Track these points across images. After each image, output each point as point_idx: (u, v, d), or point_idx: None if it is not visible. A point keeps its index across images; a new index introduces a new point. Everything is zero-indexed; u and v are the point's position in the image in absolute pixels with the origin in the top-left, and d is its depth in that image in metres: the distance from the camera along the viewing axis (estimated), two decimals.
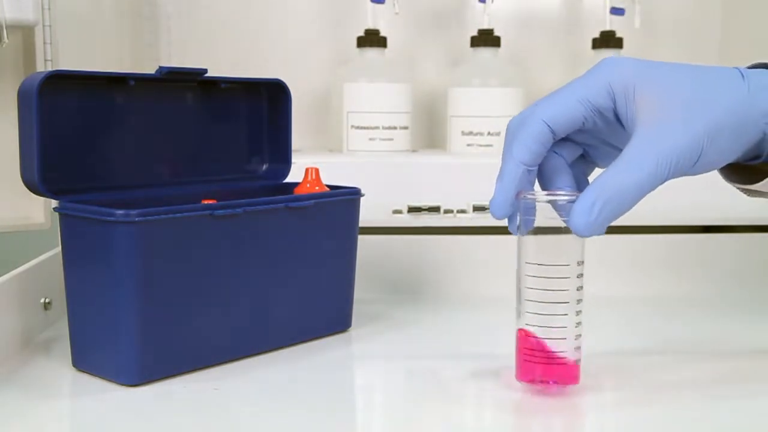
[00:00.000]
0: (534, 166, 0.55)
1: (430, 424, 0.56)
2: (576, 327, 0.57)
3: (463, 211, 0.91)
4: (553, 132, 0.54)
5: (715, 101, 0.52)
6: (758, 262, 0.90)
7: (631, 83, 0.52)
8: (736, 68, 0.54)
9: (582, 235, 0.51)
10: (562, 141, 0.56)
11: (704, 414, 0.57)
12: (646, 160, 0.50)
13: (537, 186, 0.57)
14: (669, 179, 0.51)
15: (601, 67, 0.54)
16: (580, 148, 0.58)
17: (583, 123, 0.54)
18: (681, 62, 0.55)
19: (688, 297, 0.87)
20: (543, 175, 0.57)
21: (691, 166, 0.52)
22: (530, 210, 0.56)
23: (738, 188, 0.59)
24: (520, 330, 0.58)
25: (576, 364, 0.58)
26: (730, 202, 0.92)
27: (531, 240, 0.57)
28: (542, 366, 0.57)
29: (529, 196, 0.56)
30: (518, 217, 0.56)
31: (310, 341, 0.71)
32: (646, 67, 0.53)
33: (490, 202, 0.55)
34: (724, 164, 0.54)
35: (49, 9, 0.73)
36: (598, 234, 0.51)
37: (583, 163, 0.59)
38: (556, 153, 0.56)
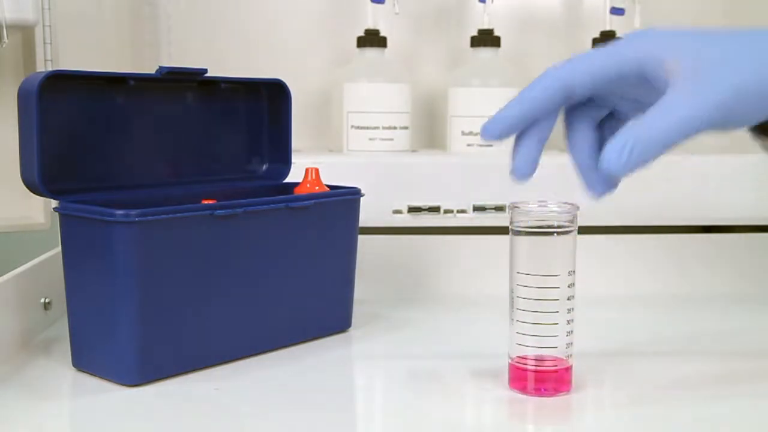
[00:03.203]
0: (536, 117, 0.55)
1: (430, 424, 0.56)
2: (567, 335, 0.57)
3: (463, 211, 0.91)
4: (568, 93, 0.54)
5: (743, 64, 0.52)
6: (758, 262, 0.90)
7: (663, 52, 0.53)
8: None
9: (614, 174, 0.51)
10: (589, 102, 0.56)
11: (704, 414, 0.57)
12: (680, 107, 0.51)
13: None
14: (696, 134, 0.52)
15: (635, 37, 0.54)
16: (606, 108, 0.57)
17: (600, 90, 0.54)
18: (703, 27, 0.55)
19: (688, 297, 0.87)
20: (569, 136, 0.57)
21: (724, 123, 0.52)
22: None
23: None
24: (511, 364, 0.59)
25: (568, 371, 0.58)
26: (730, 202, 0.92)
27: (523, 247, 0.57)
28: (534, 374, 0.58)
29: (522, 206, 0.57)
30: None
31: (310, 341, 0.71)
32: (677, 35, 0.54)
33: (488, 121, 0.55)
34: (749, 124, 0.54)
35: (49, 9, 0.73)
36: (626, 174, 0.51)
37: (614, 121, 0.58)
38: (582, 114, 0.57)
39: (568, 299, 0.57)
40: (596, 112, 0.57)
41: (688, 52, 0.53)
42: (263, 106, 0.77)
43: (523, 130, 0.55)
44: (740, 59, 0.53)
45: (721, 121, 0.52)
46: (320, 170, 0.75)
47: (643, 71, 0.53)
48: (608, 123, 0.58)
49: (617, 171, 0.51)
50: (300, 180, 0.75)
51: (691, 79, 0.52)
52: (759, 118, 0.54)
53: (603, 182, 0.55)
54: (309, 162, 0.78)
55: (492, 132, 0.55)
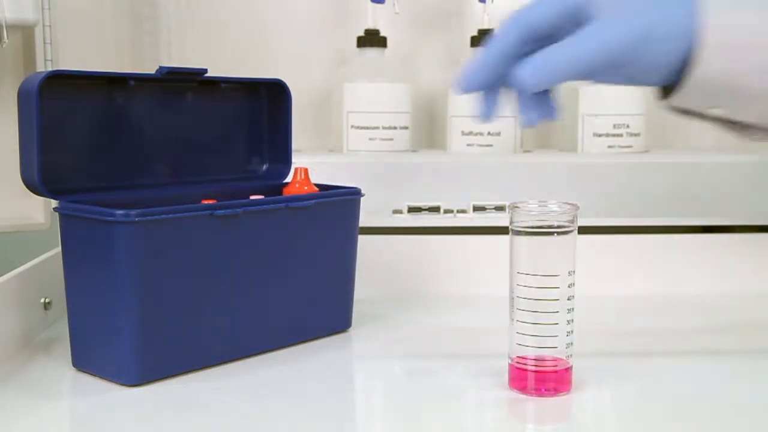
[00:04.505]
0: (512, 57, 0.58)
1: (430, 424, 0.56)
2: (567, 335, 0.57)
3: (463, 211, 0.91)
4: (533, 33, 0.58)
5: (655, 11, 0.56)
6: (758, 262, 0.90)
7: None
8: None
9: (525, 87, 0.56)
10: (545, 38, 0.59)
11: (704, 414, 0.57)
12: (586, 41, 0.56)
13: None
14: (604, 64, 0.56)
15: None
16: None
17: (554, 28, 0.58)
18: None
19: (688, 297, 0.87)
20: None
21: (630, 60, 0.56)
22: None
23: (670, 110, 0.62)
24: (511, 365, 0.59)
25: (568, 371, 0.58)
26: (730, 202, 0.92)
27: (523, 247, 0.57)
28: (534, 374, 0.58)
29: (522, 206, 0.57)
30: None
31: (310, 341, 0.71)
32: None
33: (464, 75, 0.59)
34: (646, 77, 0.58)
35: (49, 9, 0.73)
36: (538, 88, 0.56)
37: None
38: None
39: (568, 299, 0.57)
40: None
41: None
42: (263, 106, 0.77)
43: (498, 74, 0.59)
44: (655, 5, 0.56)
45: (628, 57, 0.56)
46: (321, 170, 0.75)
47: (576, 8, 0.57)
48: None
49: (530, 83, 0.56)
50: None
51: (607, 15, 0.56)
52: (660, 66, 0.57)
53: (535, 107, 0.59)
54: (309, 162, 0.78)
55: (471, 84, 0.59)
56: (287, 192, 0.74)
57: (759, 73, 0.56)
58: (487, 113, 0.61)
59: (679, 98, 0.58)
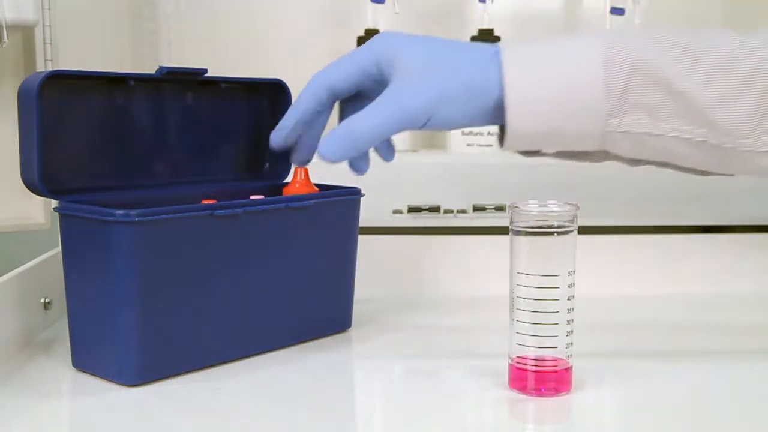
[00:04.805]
0: (308, 120, 0.65)
1: (430, 424, 0.56)
2: (567, 335, 0.57)
3: (463, 211, 0.91)
4: (330, 91, 0.64)
5: (449, 73, 0.61)
6: (758, 262, 0.90)
7: (392, 53, 0.62)
8: (496, 46, 0.62)
9: (328, 160, 0.61)
10: (358, 95, 0.65)
11: (704, 414, 0.57)
12: (383, 110, 0.61)
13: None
14: (401, 130, 0.61)
15: (372, 40, 0.63)
16: (370, 99, 0.64)
17: (356, 86, 0.64)
18: (444, 38, 0.63)
19: (688, 297, 0.87)
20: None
21: (422, 125, 0.61)
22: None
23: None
24: (511, 365, 0.59)
25: (568, 371, 0.58)
26: (729, 202, 0.92)
27: (523, 247, 0.57)
28: (534, 374, 0.58)
29: (522, 206, 0.57)
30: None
31: (310, 341, 0.71)
32: (409, 39, 0.63)
33: (273, 131, 0.66)
34: (463, 126, 0.63)
35: (49, 9, 0.73)
36: (338, 161, 0.61)
37: None
38: (353, 106, 0.65)
39: (568, 299, 0.57)
40: (363, 103, 0.63)
41: (407, 56, 0.61)
42: (263, 106, 0.77)
43: (303, 129, 0.66)
44: (448, 67, 0.61)
45: (424, 120, 0.61)
46: (321, 170, 0.75)
47: (379, 69, 0.62)
48: None
49: (330, 158, 0.61)
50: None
51: (402, 82, 0.61)
52: (466, 120, 0.61)
53: (365, 162, 0.67)
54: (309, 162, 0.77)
55: (277, 140, 0.66)
56: (287, 192, 0.74)
57: (567, 117, 0.59)
58: (303, 159, 0.68)
59: (508, 144, 0.62)
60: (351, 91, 0.64)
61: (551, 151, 0.65)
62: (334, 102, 0.65)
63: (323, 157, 0.61)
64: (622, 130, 0.60)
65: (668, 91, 0.59)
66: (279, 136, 0.66)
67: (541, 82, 0.60)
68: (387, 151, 0.68)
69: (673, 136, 0.60)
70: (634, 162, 0.66)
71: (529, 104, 0.60)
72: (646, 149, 0.61)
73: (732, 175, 0.65)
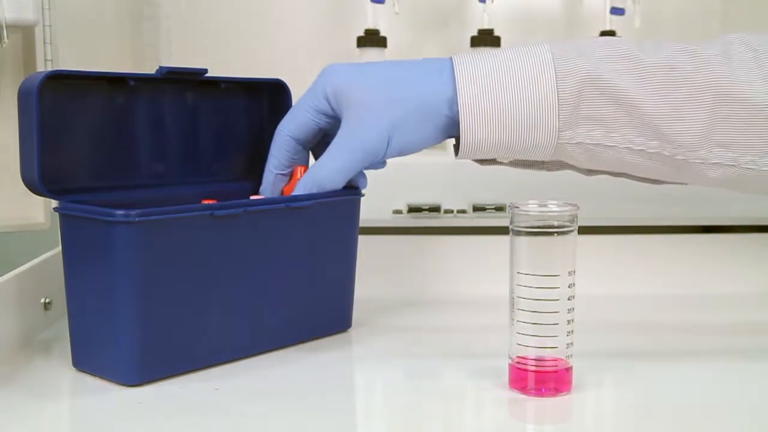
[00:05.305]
0: (286, 170, 0.69)
1: (430, 425, 0.56)
2: (567, 335, 0.57)
3: (463, 211, 0.91)
4: (296, 140, 0.68)
5: (402, 99, 0.62)
6: (758, 262, 0.90)
7: (339, 88, 0.64)
8: (449, 59, 0.64)
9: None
10: (322, 142, 0.68)
11: (704, 414, 0.57)
12: (340, 152, 0.64)
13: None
14: (364, 165, 0.64)
15: (320, 76, 0.66)
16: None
17: (319, 127, 0.67)
18: (393, 61, 0.66)
19: (688, 297, 0.87)
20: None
21: (383, 154, 0.64)
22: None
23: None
24: (512, 365, 0.59)
25: (568, 371, 0.58)
26: (730, 202, 0.92)
27: (523, 247, 0.57)
28: (534, 374, 0.58)
29: (522, 206, 0.57)
30: None
31: (310, 341, 0.71)
32: (354, 72, 0.64)
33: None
34: (422, 147, 0.65)
35: (49, 9, 0.73)
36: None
37: None
38: (324, 145, 0.67)
39: (568, 299, 0.57)
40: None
41: (354, 90, 0.63)
42: (263, 106, 0.77)
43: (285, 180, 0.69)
44: (397, 95, 0.62)
45: (383, 151, 0.63)
46: None
47: (329, 104, 0.65)
48: None
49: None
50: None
51: (353, 118, 0.63)
52: (422, 141, 0.63)
53: (362, 178, 0.70)
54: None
55: (264, 192, 0.70)
56: (287, 192, 0.74)
57: (521, 129, 0.61)
58: (359, 185, 0.70)
59: (462, 155, 0.64)
60: (313, 132, 0.67)
61: (506, 161, 0.66)
62: (306, 145, 0.69)
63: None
64: (575, 141, 0.61)
65: (620, 104, 0.60)
66: (264, 189, 0.70)
67: (493, 94, 0.61)
68: (361, 180, 0.70)
69: (625, 147, 0.61)
70: (589, 171, 0.67)
71: (482, 116, 0.61)
72: (599, 160, 0.62)
73: (685, 184, 0.65)
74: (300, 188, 0.66)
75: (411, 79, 0.63)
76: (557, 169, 0.67)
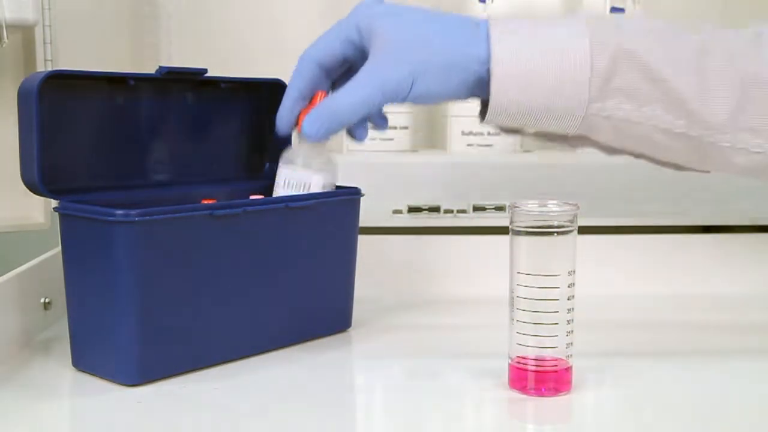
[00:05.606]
0: (306, 97, 0.66)
1: (430, 425, 0.56)
2: (567, 335, 0.57)
3: (463, 211, 0.91)
4: (320, 65, 0.65)
5: (429, 45, 0.60)
6: (758, 262, 0.90)
7: (372, 20, 0.62)
8: (483, 21, 0.62)
9: (307, 137, 0.63)
10: (346, 74, 0.65)
11: (704, 414, 0.57)
12: (360, 87, 0.61)
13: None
14: (383, 104, 0.62)
15: (355, 8, 0.64)
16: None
17: (344, 56, 0.64)
18: (431, 10, 0.63)
19: (688, 297, 0.87)
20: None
21: (404, 97, 0.61)
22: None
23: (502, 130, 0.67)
24: (511, 365, 0.59)
25: (568, 371, 0.58)
26: (730, 202, 0.92)
27: (523, 247, 0.57)
28: (534, 374, 0.58)
29: (522, 206, 0.57)
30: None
31: (310, 341, 0.71)
32: (390, 9, 0.62)
33: (276, 119, 0.66)
34: (444, 100, 0.63)
35: (49, 9, 0.74)
36: (321, 138, 0.63)
37: None
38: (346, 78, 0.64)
39: (568, 299, 0.57)
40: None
41: (385, 27, 0.61)
42: (263, 106, 0.77)
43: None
44: (428, 40, 0.60)
45: (405, 93, 0.61)
46: None
47: (360, 36, 0.63)
48: None
49: (313, 136, 0.62)
50: None
51: (380, 54, 0.61)
52: (445, 93, 0.61)
53: (363, 130, 0.67)
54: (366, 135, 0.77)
55: (281, 126, 0.66)
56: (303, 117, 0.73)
57: (551, 96, 0.59)
58: (358, 136, 0.67)
59: (489, 119, 0.62)
60: (339, 62, 0.65)
61: (531, 130, 0.64)
62: (330, 75, 0.66)
63: (305, 135, 0.62)
64: (604, 114, 0.60)
65: (651, 79, 0.59)
66: (281, 121, 0.66)
67: (526, 58, 0.59)
68: (379, 121, 0.68)
69: (652, 125, 0.60)
70: (611, 150, 0.66)
71: (513, 78, 0.59)
72: (625, 137, 0.61)
73: (708, 172, 0.64)
74: (314, 115, 0.63)
75: (445, 30, 0.61)
76: (580, 146, 0.66)
